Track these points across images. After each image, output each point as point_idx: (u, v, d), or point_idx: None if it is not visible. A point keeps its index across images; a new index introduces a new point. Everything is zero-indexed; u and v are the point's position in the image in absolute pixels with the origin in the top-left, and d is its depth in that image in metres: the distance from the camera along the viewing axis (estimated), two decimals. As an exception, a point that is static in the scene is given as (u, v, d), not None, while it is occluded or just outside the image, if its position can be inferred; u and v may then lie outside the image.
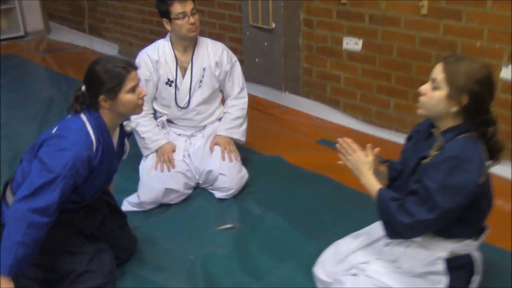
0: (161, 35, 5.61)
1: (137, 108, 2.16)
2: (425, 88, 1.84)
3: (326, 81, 4.24)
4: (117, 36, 6.37)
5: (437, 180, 1.73)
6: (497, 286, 2.25)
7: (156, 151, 3.06)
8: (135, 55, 3.19)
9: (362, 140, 3.84)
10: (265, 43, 4.27)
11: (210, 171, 3.01)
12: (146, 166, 3.03)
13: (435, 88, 1.80)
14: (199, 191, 3.11)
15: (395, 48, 3.69)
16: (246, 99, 3.19)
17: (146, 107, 3.02)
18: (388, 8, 3.63)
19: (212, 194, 3.06)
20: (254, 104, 4.29)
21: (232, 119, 3.15)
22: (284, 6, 4.06)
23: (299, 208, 2.95)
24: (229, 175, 3.01)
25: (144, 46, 3.19)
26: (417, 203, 1.77)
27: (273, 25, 4.15)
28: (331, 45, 4.09)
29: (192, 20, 2.90)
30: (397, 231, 1.86)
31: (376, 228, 2.17)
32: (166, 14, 2.92)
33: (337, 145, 2.04)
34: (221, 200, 3.02)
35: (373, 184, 1.93)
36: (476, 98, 1.77)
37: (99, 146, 2.10)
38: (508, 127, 3.24)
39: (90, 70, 2.10)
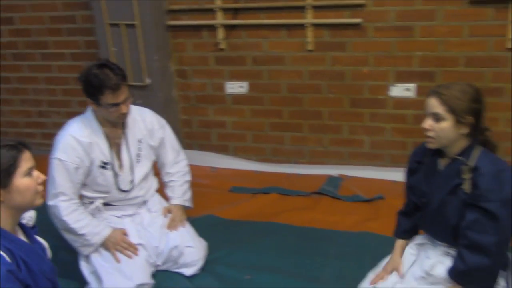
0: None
1: (37, 197, 1.73)
2: (429, 124, 1.94)
3: (210, 129, 4.13)
4: None
5: (495, 199, 1.84)
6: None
7: (102, 244, 2.54)
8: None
9: (264, 178, 3.89)
10: (139, 101, 3.93)
11: (175, 247, 2.63)
12: (104, 264, 2.48)
13: (439, 120, 1.92)
14: (161, 276, 2.66)
15: (283, 85, 3.82)
16: (185, 161, 2.89)
17: (74, 200, 2.52)
18: (272, 48, 3.75)
19: (177, 274, 2.67)
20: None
21: (179, 185, 2.82)
22: (157, 60, 3.83)
23: (276, 261, 2.79)
24: (194, 245, 2.69)
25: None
26: (484, 231, 1.86)
27: (148, 80, 3.87)
28: (212, 92, 4.01)
29: (123, 110, 2.45)
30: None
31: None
32: (94, 98, 2.41)
33: None
34: (192, 277, 2.66)
35: None
36: (478, 114, 1.96)
37: (14, 256, 1.63)
38: (404, 138, 3.67)
39: None
